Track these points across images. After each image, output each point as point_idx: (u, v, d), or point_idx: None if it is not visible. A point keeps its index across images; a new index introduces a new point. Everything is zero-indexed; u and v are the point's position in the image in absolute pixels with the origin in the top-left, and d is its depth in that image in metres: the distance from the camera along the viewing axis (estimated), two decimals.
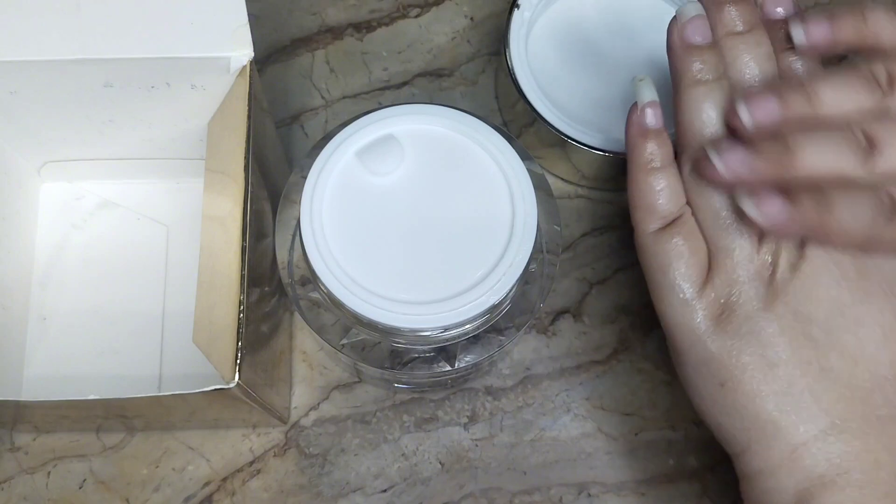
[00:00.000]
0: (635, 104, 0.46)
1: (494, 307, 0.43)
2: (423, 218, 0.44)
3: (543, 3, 0.60)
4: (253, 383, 0.43)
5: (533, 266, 0.45)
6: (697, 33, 0.45)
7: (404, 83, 0.64)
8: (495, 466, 0.55)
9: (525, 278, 0.45)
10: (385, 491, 0.54)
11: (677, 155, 0.45)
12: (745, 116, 0.41)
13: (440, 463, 0.55)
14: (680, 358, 0.45)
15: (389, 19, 0.65)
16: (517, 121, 0.60)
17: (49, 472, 0.54)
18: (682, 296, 0.44)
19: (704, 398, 0.44)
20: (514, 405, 0.56)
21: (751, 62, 0.44)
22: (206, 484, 0.54)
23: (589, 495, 0.54)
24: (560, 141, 0.56)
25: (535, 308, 0.47)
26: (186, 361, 0.54)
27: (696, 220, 0.44)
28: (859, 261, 0.42)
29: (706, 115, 0.44)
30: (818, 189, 0.40)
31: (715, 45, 0.45)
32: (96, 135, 0.54)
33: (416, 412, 0.56)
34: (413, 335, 0.44)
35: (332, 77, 0.64)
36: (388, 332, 0.44)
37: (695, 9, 0.45)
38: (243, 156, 0.45)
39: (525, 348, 0.57)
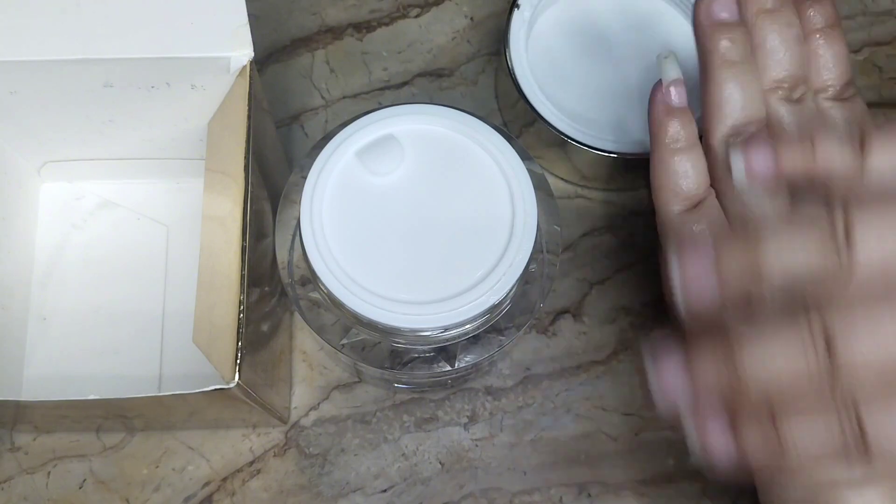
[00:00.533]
0: (659, 82, 0.45)
1: (494, 307, 0.43)
2: (423, 218, 0.44)
3: (543, 3, 0.60)
4: (253, 383, 0.43)
5: (533, 266, 0.45)
6: (725, 9, 0.43)
7: (404, 83, 0.64)
8: (495, 466, 0.55)
9: (525, 278, 0.45)
10: (385, 491, 0.54)
11: (701, 136, 0.45)
12: (679, 295, 0.38)
13: (440, 463, 0.55)
14: None
15: (389, 19, 0.65)
16: (517, 121, 0.60)
17: (49, 472, 0.54)
18: (701, 282, 0.42)
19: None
20: (514, 405, 0.56)
21: (780, 46, 0.43)
22: (206, 484, 0.54)
23: (589, 495, 0.54)
24: (560, 141, 0.56)
25: (535, 308, 0.47)
26: (186, 361, 0.54)
27: (721, 204, 0.43)
28: None
29: (731, 96, 0.43)
30: (771, 412, 0.36)
31: (743, 22, 0.44)
32: (96, 135, 0.54)
33: (416, 412, 0.56)
34: (413, 335, 0.44)
35: (332, 77, 0.64)
36: (388, 332, 0.44)
37: None
38: (243, 156, 0.45)
39: (525, 348, 0.57)
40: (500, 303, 0.43)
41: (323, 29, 0.65)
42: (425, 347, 0.47)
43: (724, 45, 0.43)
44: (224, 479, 0.54)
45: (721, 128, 0.43)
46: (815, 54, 0.44)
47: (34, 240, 0.58)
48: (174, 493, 0.54)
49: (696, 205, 0.44)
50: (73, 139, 0.54)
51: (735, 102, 0.43)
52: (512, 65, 0.57)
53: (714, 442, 0.37)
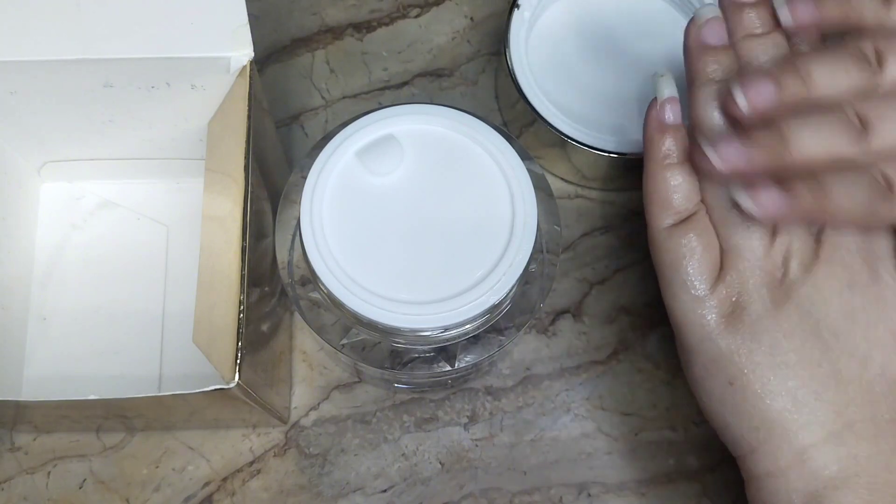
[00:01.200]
0: (655, 99, 0.46)
1: (494, 307, 0.43)
2: (423, 218, 0.44)
3: (543, 3, 0.60)
4: (253, 383, 0.43)
5: (533, 266, 0.45)
6: (713, 35, 0.45)
7: (404, 83, 0.64)
8: (495, 466, 0.55)
9: (525, 278, 0.45)
10: (385, 491, 0.54)
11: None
12: (742, 101, 0.41)
13: (440, 463, 0.55)
14: (688, 356, 0.45)
15: (389, 19, 0.65)
16: (517, 121, 0.60)
17: (49, 472, 0.54)
18: (693, 293, 0.44)
19: (713, 397, 0.44)
20: (514, 405, 0.56)
21: (768, 62, 0.44)
22: (206, 484, 0.54)
23: (589, 495, 0.54)
24: (560, 141, 0.56)
25: (535, 308, 0.47)
26: (186, 361, 0.54)
27: (710, 219, 0.44)
28: (871, 265, 0.42)
29: (719, 113, 0.44)
30: (812, 174, 0.40)
31: (730, 47, 0.45)
32: (96, 135, 0.54)
33: (416, 412, 0.56)
34: (413, 335, 0.44)
35: (332, 77, 0.64)
36: (388, 332, 0.44)
37: (712, 11, 0.45)
38: (243, 156, 0.45)
39: (525, 348, 0.57)
40: (500, 303, 0.43)
41: (323, 29, 0.65)
42: (425, 347, 0.47)
43: (711, 67, 0.44)
44: (224, 479, 0.54)
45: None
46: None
47: (34, 240, 0.58)
48: (174, 493, 0.54)
49: (686, 219, 0.44)
50: (73, 139, 0.54)
51: (715, 122, 0.44)
52: (512, 65, 0.57)
53: (766, 197, 0.41)
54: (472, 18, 0.66)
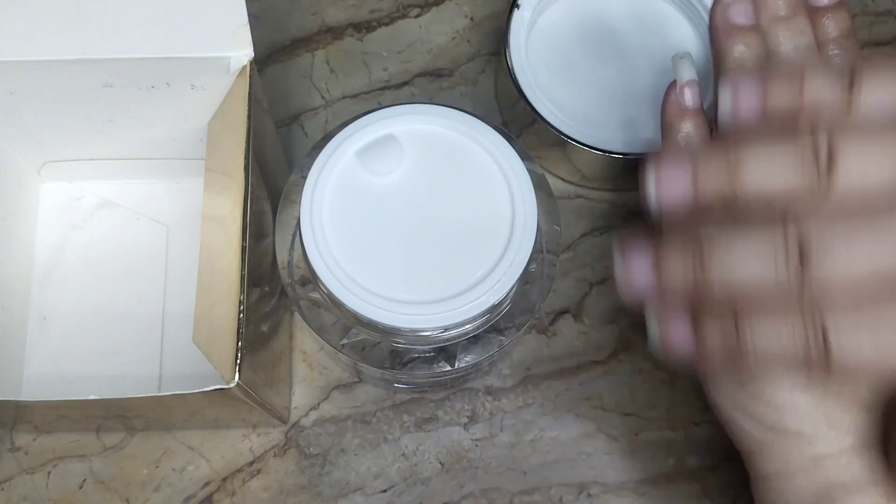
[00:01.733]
0: (674, 82, 0.45)
1: (494, 307, 0.43)
2: (423, 218, 0.44)
3: (543, 3, 0.60)
4: (253, 383, 0.43)
5: (533, 266, 0.45)
6: (741, 14, 0.43)
7: (404, 83, 0.64)
8: (495, 466, 0.55)
9: (525, 278, 0.45)
10: (385, 491, 0.54)
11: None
12: (651, 191, 0.38)
13: (440, 463, 0.55)
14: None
15: (389, 19, 0.65)
16: (517, 121, 0.60)
17: (49, 472, 0.54)
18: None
19: (722, 393, 0.43)
20: (514, 405, 0.56)
21: (792, 52, 0.43)
22: (206, 484, 0.54)
23: (589, 495, 0.54)
24: (560, 141, 0.56)
25: (535, 308, 0.47)
26: (186, 361, 0.54)
27: None
28: None
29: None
30: (735, 312, 0.36)
31: (758, 27, 0.43)
32: (96, 135, 0.54)
33: (416, 412, 0.56)
34: (413, 335, 0.44)
35: (332, 77, 0.64)
36: (388, 332, 0.44)
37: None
38: (243, 156, 0.45)
39: (525, 348, 0.57)
40: (500, 303, 0.43)
41: (323, 29, 0.65)
42: (425, 347, 0.47)
43: (739, 49, 0.43)
44: (224, 479, 0.54)
45: None
46: (829, 62, 0.44)
47: (34, 240, 0.58)
48: (174, 493, 0.54)
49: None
50: (73, 139, 0.54)
51: None
52: (512, 65, 0.57)
53: (674, 333, 0.37)
54: (472, 18, 0.66)
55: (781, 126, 0.37)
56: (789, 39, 0.43)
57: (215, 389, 0.41)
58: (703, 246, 0.36)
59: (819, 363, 0.34)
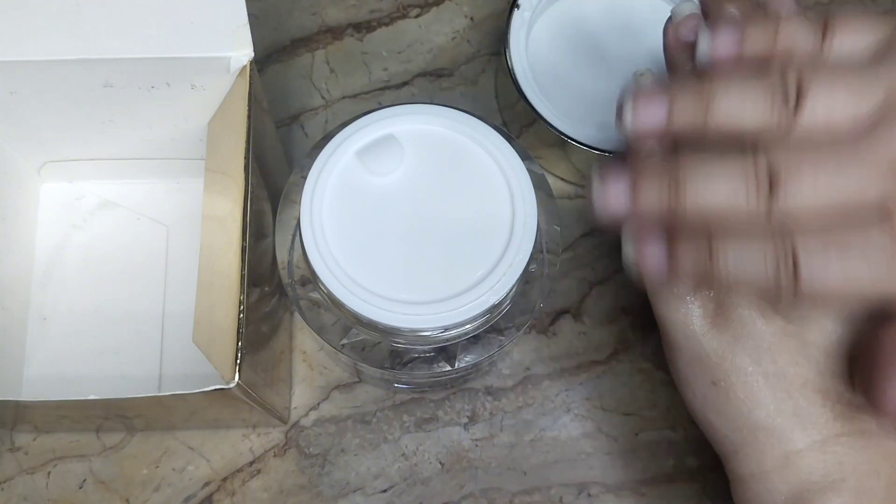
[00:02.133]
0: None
1: (494, 307, 0.43)
2: (423, 218, 0.44)
3: (543, 3, 0.60)
4: (253, 383, 0.43)
5: (533, 266, 0.45)
6: (693, 32, 0.43)
7: (404, 83, 0.64)
8: (495, 466, 0.55)
9: (525, 278, 0.45)
10: (385, 491, 0.54)
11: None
12: (628, 118, 0.39)
13: (440, 463, 0.55)
14: (673, 353, 0.44)
15: (389, 19, 0.65)
16: (517, 121, 0.60)
17: (49, 472, 0.54)
18: (677, 291, 0.43)
19: (696, 396, 0.44)
20: (514, 405, 0.56)
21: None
22: (206, 484, 0.54)
23: (589, 495, 0.54)
24: (560, 141, 0.56)
25: (535, 308, 0.47)
26: (186, 361, 0.54)
27: None
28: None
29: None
30: (708, 234, 0.37)
31: None
32: (96, 135, 0.54)
33: (416, 412, 0.56)
34: (413, 335, 0.44)
35: (332, 77, 0.64)
36: (388, 332, 0.44)
37: (689, 7, 0.44)
38: (243, 156, 0.45)
39: (525, 348, 0.57)
40: (500, 303, 0.43)
41: (323, 29, 0.65)
42: (425, 347, 0.47)
43: (691, 66, 0.43)
44: (224, 479, 0.54)
45: None
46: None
47: (34, 240, 0.58)
48: (174, 493, 0.54)
49: None
50: (74, 139, 0.54)
51: None
52: (512, 65, 0.57)
53: (649, 254, 0.38)
54: (472, 18, 0.66)
55: (755, 66, 0.38)
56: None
57: (215, 389, 0.41)
58: (678, 172, 0.37)
59: (788, 288, 0.36)
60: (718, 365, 0.42)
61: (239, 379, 0.41)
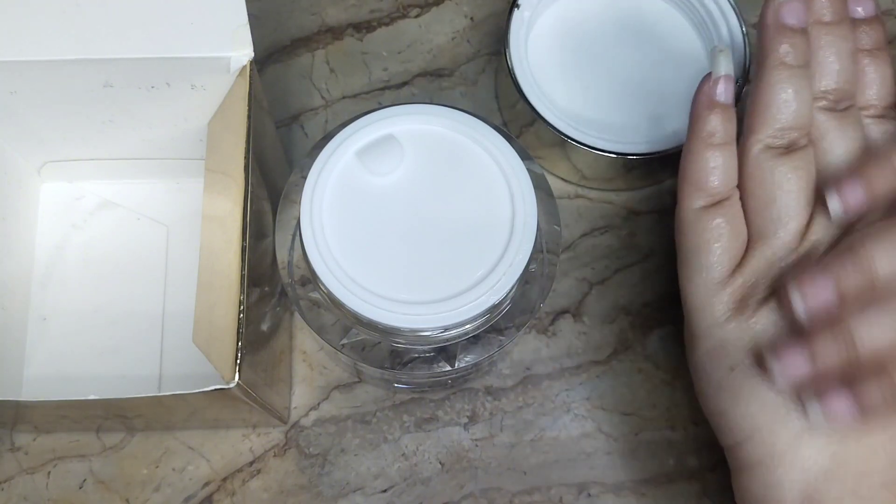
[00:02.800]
0: (708, 74, 0.45)
1: (494, 307, 0.43)
2: (423, 218, 0.44)
3: (544, 3, 0.60)
4: (253, 383, 0.43)
5: (533, 266, 0.45)
6: (793, 15, 0.44)
7: (404, 83, 0.64)
8: (495, 466, 0.55)
9: (525, 278, 0.45)
10: (385, 491, 0.54)
11: (740, 135, 0.45)
12: (800, 307, 0.41)
13: (440, 463, 0.55)
14: (695, 340, 0.45)
15: (389, 19, 0.65)
16: (517, 121, 0.60)
17: (49, 472, 0.54)
18: (711, 277, 0.44)
19: (711, 382, 0.44)
20: (514, 405, 0.56)
21: (833, 57, 0.44)
22: (206, 484, 0.54)
23: (589, 495, 0.54)
24: (560, 141, 0.56)
25: (535, 308, 0.47)
26: (186, 361, 0.54)
27: (743, 206, 0.44)
28: None
29: (783, 99, 0.43)
30: (883, 369, 0.39)
31: (806, 30, 0.44)
32: (96, 135, 0.54)
33: (416, 412, 0.56)
34: (413, 335, 0.44)
35: (332, 77, 0.64)
36: (388, 332, 0.44)
37: None
38: (243, 156, 0.45)
39: (525, 348, 0.57)
40: (500, 303, 0.43)
41: (323, 29, 0.65)
42: (425, 347, 0.47)
43: (784, 49, 0.44)
44: (224, 479, 0.54)
45: (766, 129, 0.44)
46: (863, 73, 0.45)
47: (34, 240, 0.58)
48: (174, 493, 0.54)
49: (719, 202, 0.44)
50: (74, 139, 0.55)
51: (785, 105, 0.43)
52: (512, 65, 0.57)
53: (838, 405, 0.39)
54: (472, 18, 0.66)
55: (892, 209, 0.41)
56: (831, 44, 0.44)
57: (215, 389, 0.41)
58: (851, 328, 0.39)
59: None
60: (738, 349, 0.43)
61: (239, 379, 0.41)
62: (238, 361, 0.41)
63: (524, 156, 0.45)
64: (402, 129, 0.46)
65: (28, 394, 0.54)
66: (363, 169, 0.45)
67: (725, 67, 0.45)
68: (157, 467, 0.54)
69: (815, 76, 0.45)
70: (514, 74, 0.57)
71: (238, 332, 0.42)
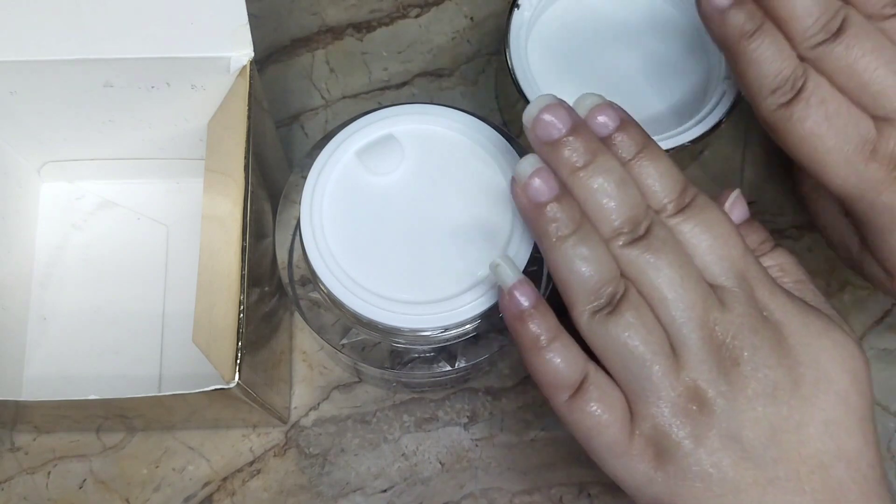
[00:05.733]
0: (504, 291, 0.43)
1: (494, 307, 0.43)
2: (423, 218, 0.44)
3: (544, 3, 0.60)
4: (253, 383, 0.43)
5: (533, 266, 0.45)
6: (542, 191, 0.41)
7: (404, 83, 0.64)
8: (495, 466, 0.55)
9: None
10: (385, 491, 0.54)
11: (565, 312, 0.43)
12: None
13: (440, 463, 0.55)
14: (635, 500, 0.43)
15: (389, 19, 0.65)
16: (517, 121, 0.59)
17: (49, 472, 0.54)
18: (614, 451, 0.42)
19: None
20: (514, 405, 0.56)
21: (604, 199, 0.41)
22: (206, 484, 0.54)
23: (589, 495, 0.54)
24: None
25: None
26: (186, 361, 0.54)
27: (606, 369, 0.42)
28: (789, 370, 0.40)
29: (576, 271, 0.41)
30: None
31: (564, 191, 0.41)
32: (96, 135, 0.54)
33: (416, 412, 0.56)
34: (413, 335, 0.44)
35: (332, 77, 0.64)
36: (388, 332, 0.44)
37: (530, 163, 0.42)
38: (243, 156, 0.45)
39: None
40: None
41: (323, 29, 0.65)
42: (425, 347, 0.47)
43: (553, 227, 0.41)
44: (224, 479, 0.54)
45: (579, 301, 0.41)
46: (641, 178, 0.43)
47: (34, 240, 0.58)
48: (174, 493, 0.54)
49: (580, 387, 0.42)
50: (74, 139, 0.55)
51: (581, 274, 0.41)
52: (512, 65, 0.57)
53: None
54: (472, 18, 0.66)
55: None
56: (594, 187, 0.41)
57: (215, 389, 0.41)
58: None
59: None
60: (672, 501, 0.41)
61: (239, 379, 0.41)
62: (238, 361, 0.41)
63: (524, 155, 0.45)
64: (402, 129, 0.46)
65: (28, 394, 0.54)
66: (363, 169, 0.45)
67: (512, 276, 0.42)
68: (157, 467, 0.54)
69: (598, 223, 0.41)
70: (514, 74, 0.57)
71: (238, 332, 0.42)
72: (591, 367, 0.42)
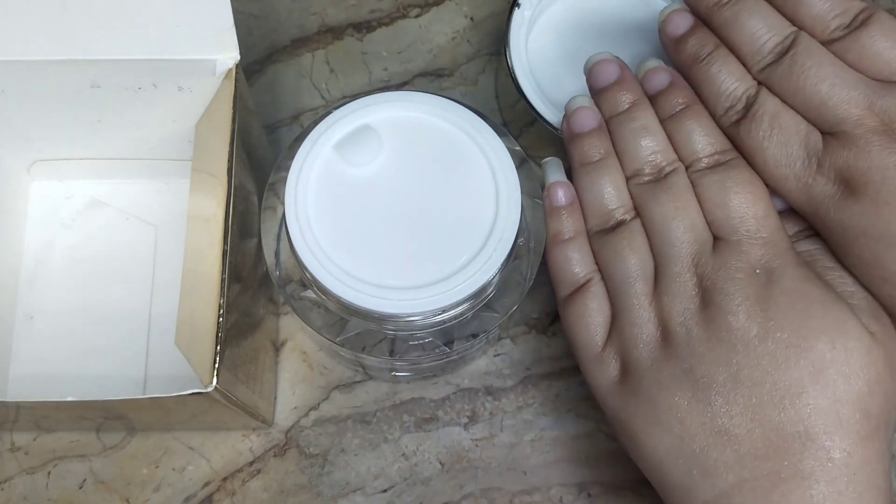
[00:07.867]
0: (547, 185, 0.49)
1: (486, 285, 0.44)
2: (408, 204, 0.45)
3: (544, 3, 0.59)
4: (232, 386, 0.43)
5: (521, 240, 0.46)
6: (578, 124, 0.49)
7: (404, 83, 0.64)
8: (495, 466, 0.55)
9: (514, 254, 0.46)
10: (385, 491, 0.54)
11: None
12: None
13: (440, 463, 0.55)
14: (603, 410, 0.47)
15: (389, 19, 0.65)
16: (517, 121, 0.59)
17: (49, 472, 0.55)
18: (588, 353, 0.46)
19: (625, 449, 0.47)
20: (514, 405, 0.56)
21: (631, 136, 0.48)
22: (206, 484, 0.54)
23: (589, 495, 0.54)
24: (560, 141, 0.55)
25: (527, 280, 0.48)
26: (172, 363, 0.54)
27: (605, 285, 0.47)
28: (762, 326, 0.42)
29: (600, 189, 0.47)
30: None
31: (601, 128, 0.49)
32: (85, 134, 0.54)
33: (416, 412, 0.56)
34: (408, 321, 0.44)
35: (332, 77, 0.64)
36: (383, 319, 0.44)
37: (579, 101, 0.50)
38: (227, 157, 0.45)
39: (525, 348, 0.57)
40: (492, 280, 0.44)
41: (323, 29, 0.65)
42: (422, 332, 0.47)
43: (583, 150, 0.49)
44: (224, 479, 0.55)
45: (592, 219, 0.48)
46: (679, 131, 0.48)
47: (23, 238, 0.58)
48: (174, 493, 0.54)
49: (581, 287, 0.47)
50: (63, 138, 0.55)
51: (598, 196, 0.48)
52: (512, 65, 0.57)
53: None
54: (472, 18, 0.65)
55: None
56: (625, 125, 0.48)
57: (193, 393, 0.41)
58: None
59: None
60: (628, 422, 0.45)
61: (217, 383, 0.41)
62: (216, 365, 0.41)
63: (500, 132, 0.46)
64: (378, 118, 0.46)
65: (13, 393, 0.54)
66: (342, 161, 0.45)
67: (553, 175, 0.49)
68: (157, 467, 0.55)
69: (624, 161, 0.48)
70: (514, 74, 0.56)
71: (217, 335, 0.42)
72: (597, 276, 0.47)
